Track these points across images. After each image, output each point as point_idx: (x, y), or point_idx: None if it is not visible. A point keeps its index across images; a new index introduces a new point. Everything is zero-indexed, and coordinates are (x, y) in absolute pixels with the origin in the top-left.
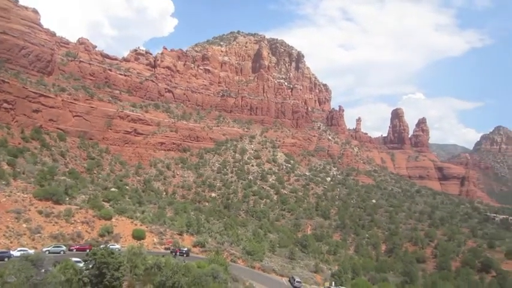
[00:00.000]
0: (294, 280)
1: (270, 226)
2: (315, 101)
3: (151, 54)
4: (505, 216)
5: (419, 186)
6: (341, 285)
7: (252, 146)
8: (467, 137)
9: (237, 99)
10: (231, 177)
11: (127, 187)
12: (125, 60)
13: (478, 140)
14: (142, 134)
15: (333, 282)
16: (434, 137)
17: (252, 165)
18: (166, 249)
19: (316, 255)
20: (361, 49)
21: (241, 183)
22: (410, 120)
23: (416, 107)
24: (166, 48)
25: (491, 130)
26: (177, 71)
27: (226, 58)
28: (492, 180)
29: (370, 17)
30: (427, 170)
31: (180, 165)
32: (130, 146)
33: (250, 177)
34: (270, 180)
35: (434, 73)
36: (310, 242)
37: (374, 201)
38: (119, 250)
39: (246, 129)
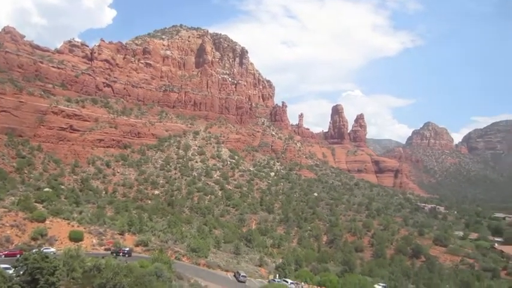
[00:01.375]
0: (239, 275)
1: (214, 222)
2: (259, 97)
3: (87, 46)
4: (433, 206)
5: (357, 179)
6: (285, 277)
7: (196, 142)
8: (400, 132)
9: (180, 95)
10: (175, 173)
11: (62, 187)
12: (58, 52)
13: (410, 135)
14: (78, 130)
15: (277, 275)
16: (371, 132)
17: (196, 162)
18: (106, 250)
19: (260, 249)
20: (303, 46)
21: (185, 180)
22: (349, 116)
23: (355, 103)
24: (104, 41)
25: (421, 126)
26: (116, 64)
27: (168, 52)
28: (422, 172)
29: (312, 15)
30: (365, 164)
31: (120, 163)
32: (65, 143)
33: (194, 173)
34: (215, 176)
35: (371, 71)
36: (254, 237)
37: (316, 194)
38: (54, 254)
39: (189, 125)
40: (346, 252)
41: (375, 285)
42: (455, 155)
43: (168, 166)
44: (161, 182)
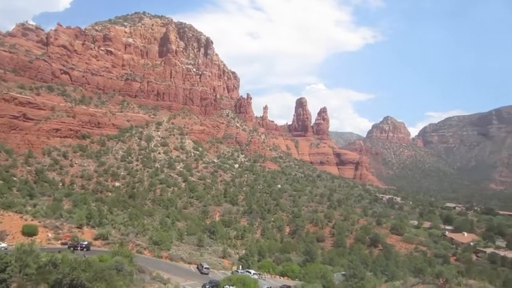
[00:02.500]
0: (202, 267)
1: (177, 214)
2: (224, 88)
3: (42, 30)
4: (390, 196)
5: (320, 171)
6: (248, 268)
7: (159, 133)
8: (361, 125)
9: (142, 84)
10: (137, 165)
11: (15, 178)
12: (10, 35)
13: (370, 128)
14: (33, 119)
15: (240, 266)
16: (334, 125)
17: (159, 153)
18: (63, 244)
19: (224, 240)
20: (268, 39)
21: (148, 172)
22: (313, 110)
23: (318, 96)
24: (61, 25)
25: (381, 120)
26: (75, 51)
27: (130, 40)
28: (381, 164)
29: (277, 8)
30: (327, 156)
31: (78, 154)
32: (18, 133)
33: (157, 165)
34: (178, 167)
35: (334, 65)
36: (218, 228)
37: (279, 186)
38: (5, 249)
39: (152, 116)
40: (308, 242)
41: (335, 274)
42: (412, 148)
43: (130, 157)
44: (122, 173)
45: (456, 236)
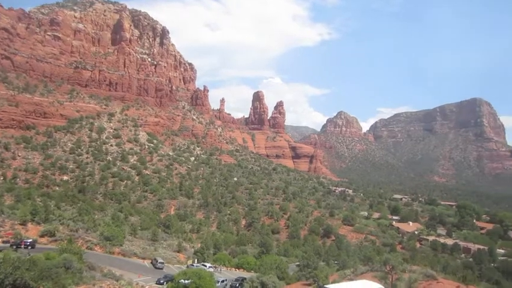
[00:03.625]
0: (157, 261)
1: (131, 209)
2: (180, 79)
3: None
4: (342, 189)
5: (275, 164)
6: (203, 262)
7: (111, 125)
8: (316, 120)
9: (93, 73)
10: (87, 158)
11: None
12: None
13: (325, 123)
14: None
15: (196, 260)
16: (290, 119)
17: (111, 145)
18: (5, 242)
19: (179, 234)
20: (226, 31)
21: (99, 165)
22: (269, 103)
23: (275, 90)
24: (2, 6)
25: (334, 114)
26: (17, 34)
27: (80, 25)
28: (334, 158)
29: (236, 0)
30: (283, 150)
31: (22, 145)
32: None
33: (109, 157)
34: (131, 160)
35: (290, 60)
36: (173, 222)
37: (235, 179)
38: None
39: (104, 106)
40: (264, 235)
41: (289, 265)
42: (363, 142)
43: (79, 150)
44: (71, 167)
45: (402, 226)
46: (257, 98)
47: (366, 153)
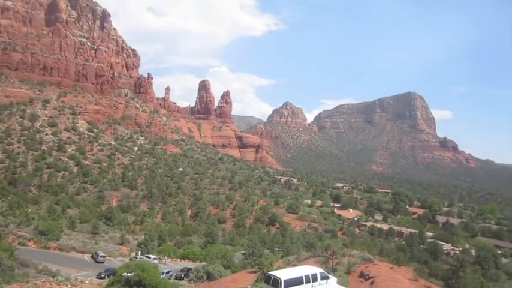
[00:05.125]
0: (97, 255)
1: (69, 201)
2: (122, 66)
3: None
4: (287, 178)
5: (222, 154)
6: (147, 254)
7: (46, 112)
8: (262, 110)
9: (25, 55)
10: (18, 147)
11: None
12: None
13: (271, 113)
14: None
15: (139, 252)
16: (236, 109)
17: (46, 134)
18: None
19: (122, 227)
20: (172, 17)
21: (32, 155)
22: (216, 92)
23: (221, 80)
24: None
25: (280, 105)
26: None
27: (9, 3)
28: (280, 148)
29: None
30: (229, 139)
31: None
32: None
33: (43, 147)
34: (69, 150)
35: (237, 49)
36: (115, 214)
37: (181, 169)
38: None
39: (37, 92)
40: (210, 224)
41: (235, 253)
42: (308, 132)
43: (10, 138)
44: (0, 157)
45: (343, 213)
46: (203, 87)
47: (310, 144)
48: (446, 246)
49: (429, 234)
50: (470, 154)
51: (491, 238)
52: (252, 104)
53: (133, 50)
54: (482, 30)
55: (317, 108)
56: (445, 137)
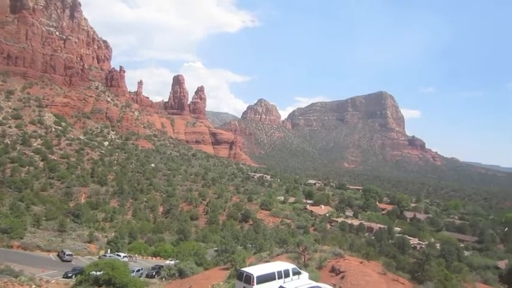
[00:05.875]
0: (64, 254)
1: (34, 197)
2: (93, 57)
3: None
4: (261, 174)
5: (195, 150)
6: (117, 251)
7: (10, 104)
8: (237, 106)
9: None
10: None
11: None
12: None
13: (245, 109)
14: None
15: (109, 250)
16: (211, 105)
17: (10, 127)
18: None
19: (91, 224)
20: (146, 9)
21: None
22: (190, 88)
23: (196, 75)
24: None
25: (255, 102)
26: None
27: None
28: (254, 144)
29: None
30: (203, 135)
31: None
32: None
33: (6, 140)
34: (35, 144)
35: (213, 45)
36: (84, 211)
37: (153, 165)
38: None
39: (1, 82)
40: (182, 221)
41: (208, 250)
42: (282, 130)
43: None
44: None
45: (315, 209)
46: (177, 81)
47: (284, 141)
48: (413, 241)
49: (397, 229)
50: (436, 152)
51: (455, 232)
52: (226, 100)
53: (104, 42)
54: (453, 33)
55: (291, 106)
56: (413, 136)
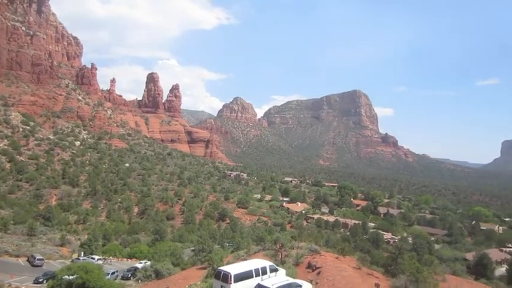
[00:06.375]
0: (34, 258)
1: (0, 201)
2: (63, 54)
3: None
4: (237, 173)
5: (170, 149)
6: (91, 254)
7: None
8: (213, 104)
9: None
10: None
11: None
12: None
13: (221, 108)
14: None
15: (82, 253)
16: (186, 103)
17: None
18: None
19: (62, 227)
20: (118, 5)
21: None
22: (165, 86)
23: (171, 73)
24: None
25: (231, 100)
26: None
27: None
28: (230, 143)
29: None
30: (178, 134)
31: None
32: None
33: None
34: (1, 145)
35: (188, 42)
36: (55, 214)
37: (127, 165)
38: None
39: None
40: (158, 222)
41: (184, 250)
42: (258, 128)
43: None
44: None
45: (292, 206)
46: (151, 79)
47: (260, 139)
48: (387, 235)
49: (371, 224)
50: (408, 149)
51: (426, 226)
52: (202, 98)
53: (75, 38)
54: (425, 34)
55: (267, 104)
56: (386, 133)
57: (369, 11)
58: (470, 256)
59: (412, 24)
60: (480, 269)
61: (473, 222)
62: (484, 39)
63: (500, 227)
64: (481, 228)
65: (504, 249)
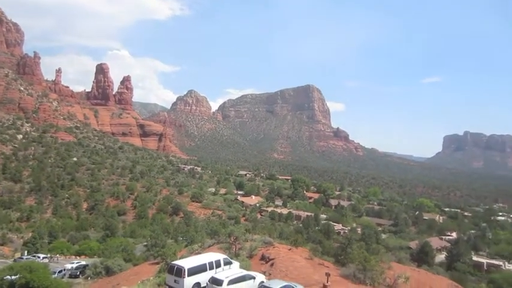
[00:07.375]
0: None
1: None
2: (2, 41)
3: None
4: (192, 167)
5: (122, 142)
6: (36, 252)
7: None
8: (166, 97)
9: None
10: None
11: None
12: None
13: (175, 101)
14: None
15: (26, 251)
16: (138, 95)
17: None
18: None
19: (3, 225)
20: None
21: None
22: (115, 77)
23: (121, 64)
24: None
25: (185, 93)
26: None
27: None
28: (184, 136)
29: None
30: (130, 127)
31: None
32: None
33: None
34: None
35: (139, 32)
36: None
37: (75, 159)
38: None
39: None
40: (108, 217)
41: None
42: (212, 121)
43: None
44: None
45: (246, 199)
46: (101, 70)
47: (215, 132)
48: (338, 226)
49: (323, 216)
50: (359, 143)
51: (374, 217)
52: (155, 90)
53: (15, 24)
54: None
55: (221, 97)
56: (338, 128)
57: (323, 6)
58: (413, 244)
59: (364, 23)
60: (422, 256)
61: (417, 212)
62: (429, 41)
63: (441, 217)
64: (424, 218)
65: (444, 237)
